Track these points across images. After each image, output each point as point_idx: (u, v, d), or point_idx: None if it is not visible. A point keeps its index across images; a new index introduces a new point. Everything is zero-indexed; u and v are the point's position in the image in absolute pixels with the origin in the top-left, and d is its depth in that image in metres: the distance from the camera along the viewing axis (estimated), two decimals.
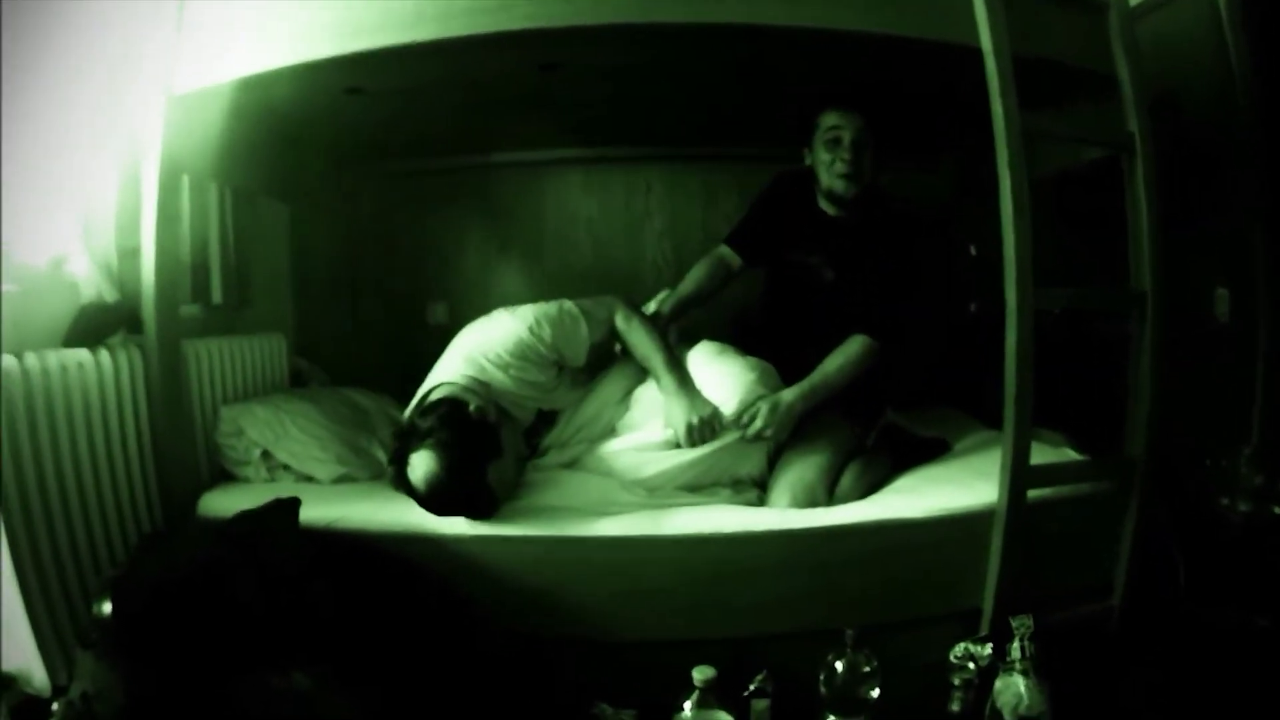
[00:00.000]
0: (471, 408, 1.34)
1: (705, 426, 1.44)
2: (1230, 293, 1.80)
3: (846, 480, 1.47)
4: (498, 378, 1.45)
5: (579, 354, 1.55)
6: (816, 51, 1.42)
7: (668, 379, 1.50)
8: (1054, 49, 1.42)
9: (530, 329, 1.48)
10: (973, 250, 1.76)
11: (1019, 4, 1.35)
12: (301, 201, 2.07)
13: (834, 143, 1.60)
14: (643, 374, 1.57)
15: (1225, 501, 1.64)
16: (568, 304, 1.57)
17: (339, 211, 2.17)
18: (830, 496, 1.43)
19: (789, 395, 1.51)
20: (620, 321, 1.59)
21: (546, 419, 1.58)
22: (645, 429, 1.50)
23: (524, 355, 1.46)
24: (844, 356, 1.58)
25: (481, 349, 1.47)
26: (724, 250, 1.82)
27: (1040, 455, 1.41)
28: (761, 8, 1.23)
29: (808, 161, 1.70)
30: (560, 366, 1.54)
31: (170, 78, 1.40)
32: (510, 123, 1.92)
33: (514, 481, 1.41)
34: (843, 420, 1.57)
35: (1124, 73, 1.44)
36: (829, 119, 1.61)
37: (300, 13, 1.31)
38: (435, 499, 1.28)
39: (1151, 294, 1.42)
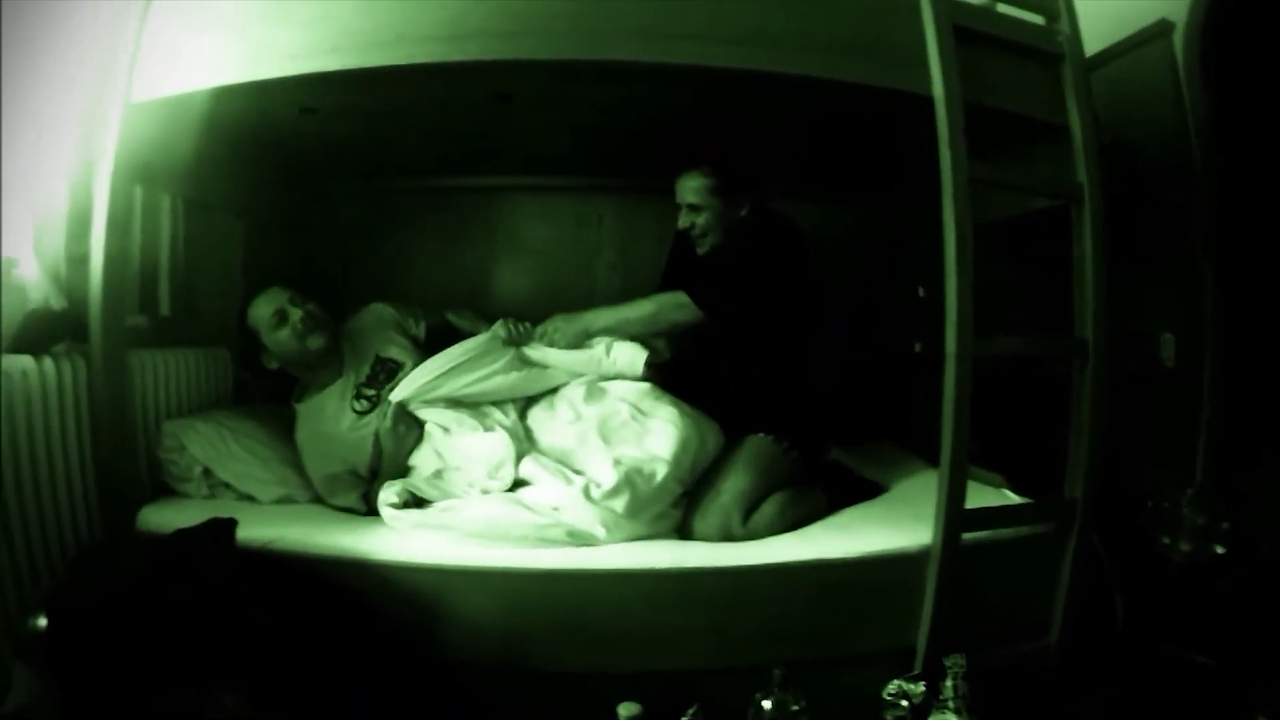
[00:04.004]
0: None
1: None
2: (1177, 337, 1.84)
3: (769, 509, 1.44)
4: None
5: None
6: (774, 92, 1.43)
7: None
8: (1008, 98, 1.44)
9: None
10: (921, 291, 1.77)
11: (974, 53, 1.37)
12: (256, 217, 2.05)
13: (679, 207, 1.72)
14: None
15: (1166, 541, 1.67)
16: None
17: (293, 228, 2.15)
18: (745, 522, 1.41)
19: (586, 315, 1.66)
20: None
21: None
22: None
23: None
24: (651, 301, 1.64)
25: None
26: None
27: (978, 497, 1.43)
28: (714, 49, 1.23)
29: None
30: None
31: (129, 85, 1.39)
32: (464, 149, 1.92)
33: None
34: (775, 442, 1.55)
35: (1076, 124, 1.45)
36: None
37: (257, 30, 1.30)
38: None
39: (1093, 341, 1.43)
